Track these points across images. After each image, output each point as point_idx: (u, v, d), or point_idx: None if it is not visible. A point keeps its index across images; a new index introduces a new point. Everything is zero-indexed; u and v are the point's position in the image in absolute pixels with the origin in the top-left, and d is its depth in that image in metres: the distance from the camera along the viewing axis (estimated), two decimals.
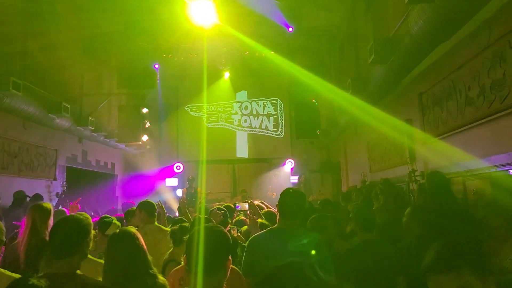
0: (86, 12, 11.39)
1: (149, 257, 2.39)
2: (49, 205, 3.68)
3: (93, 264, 2.85)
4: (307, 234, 3.04)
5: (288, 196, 3.07)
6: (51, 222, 3.53)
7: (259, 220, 4.31)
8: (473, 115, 5.10)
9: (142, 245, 2.39)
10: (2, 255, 3.28)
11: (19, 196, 7.47)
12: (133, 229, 2.59)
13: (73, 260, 2.26)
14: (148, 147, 15.24)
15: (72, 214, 2.55)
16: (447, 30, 4.79)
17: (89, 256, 3.19)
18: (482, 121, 4.90)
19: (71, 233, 2.29)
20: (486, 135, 4.93)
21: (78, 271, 2.28)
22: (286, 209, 3.00)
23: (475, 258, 1.51)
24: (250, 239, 3.08)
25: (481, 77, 4.86)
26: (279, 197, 3.12)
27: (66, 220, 2.38)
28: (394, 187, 5.98)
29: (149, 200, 5.05)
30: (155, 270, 2.33)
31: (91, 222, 2.44)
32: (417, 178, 6.65)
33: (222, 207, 5.79)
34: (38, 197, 7.64)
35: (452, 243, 1.58)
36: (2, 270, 2.62)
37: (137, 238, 2.42)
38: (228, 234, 1.98)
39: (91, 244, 3.36)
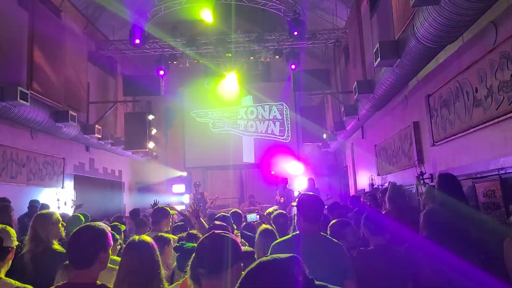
0: (91, 21, 11.50)
1: (163, 270, 2.37)
2: (50, 212, 3.70)
3: (112, 271, 2.82)
4: (331, 240, 3.03)
5: (310, 200, 3.05)
6: (56, 229, 3.56)
7: (263, 225, 4.26)
8: (481, 116, 5.06)
9: (157, 256, 2.37)
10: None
11: (33, 205, 7.53)
12: (149, 239, 2.55)
13: (91, 270, 2.24)
14: (154, 154, 15.28)
15: (92, 222, 2.52)
16: (453, 31, 4.76)
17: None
18: (490, 122, 4.86)
19: (88, 243, 2.27)
20: (495, 137, 4.89)
21: (98, 281, 2.26)
22: (309, 214, 2.98)
23: None
24: (273, 244, 3.02)
25: (488, 79, 4.82)
26: (299, 202, 3.10)
27: (84, 230, 2.35)
28: (402, 192, 5.91)
29: (163, 206, 5.07)
30: (166, 285, 2.32)
31: (108, 232, 2.40)
32: (426, 180, 6.60)
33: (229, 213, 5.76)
34: (45, 206, 7.70)
35: None
36: (12, 281, 2.62)
37: (154, 248, 2.40)
38: (231, 240, 1.97)
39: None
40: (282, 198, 11.90)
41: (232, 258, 1.87)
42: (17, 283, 2.60)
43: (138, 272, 2.28)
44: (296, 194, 12.35)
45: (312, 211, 2.99)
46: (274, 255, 1.39)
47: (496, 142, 4.87)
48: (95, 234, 2.32)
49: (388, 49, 6.27)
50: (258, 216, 5.21)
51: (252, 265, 1.38)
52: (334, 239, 3.08)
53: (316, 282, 1.42)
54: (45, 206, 7.63)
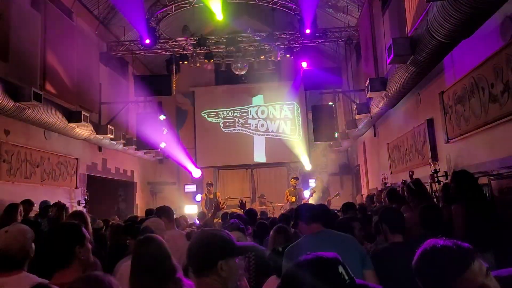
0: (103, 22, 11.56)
1: (175, 262, 2.36)
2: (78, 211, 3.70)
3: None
4: (340, 233, 3.06)
5: (304, 206, 3.25)
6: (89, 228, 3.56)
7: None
8: (497, 112, 4.97)
9: (168, 250, 2.37)
10: None
11: (44, 205, 7.57)
12: (157, 235, 2.56)
13: (70, 270, 2.18)
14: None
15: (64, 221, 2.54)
16: (468, 26, 4.68)
17: None
18: (507, 118, 4.78)
19: (62, 241, 2.23)
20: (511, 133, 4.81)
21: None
22: (311, 214, 3.01)
23: None
24: (287, 249, 2.97)
25: (504, 74, 4.74)
26: (297, 208, 3.26)
27: (55, 228, 2.33)
28: (424, 188, 5.82)
29: (166, 205, 5.05)
30: (180, 275, 2.31)
31: (81, 228, 2.36)
32: (440, 178, 6.52)
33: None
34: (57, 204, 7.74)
35: None
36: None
37: (163, 244, 2.40)
38: (219, 236, 2.00)
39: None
40: (293, 197, 11.86)
41: (220, 254, 1.90)
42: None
43: (151, 267, 2.27)
44: (307, 193, 12.29)
45: (312, 211, 3.07)
46: (316, 254, 1.37)
47: None
48: (68, 230, 2.29)
49: (401, 46, 6.17)
50: None
51: (295, 263, 1.37)
52: (342, 233, 3.13)
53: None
54: (57, 204, 7.67)
